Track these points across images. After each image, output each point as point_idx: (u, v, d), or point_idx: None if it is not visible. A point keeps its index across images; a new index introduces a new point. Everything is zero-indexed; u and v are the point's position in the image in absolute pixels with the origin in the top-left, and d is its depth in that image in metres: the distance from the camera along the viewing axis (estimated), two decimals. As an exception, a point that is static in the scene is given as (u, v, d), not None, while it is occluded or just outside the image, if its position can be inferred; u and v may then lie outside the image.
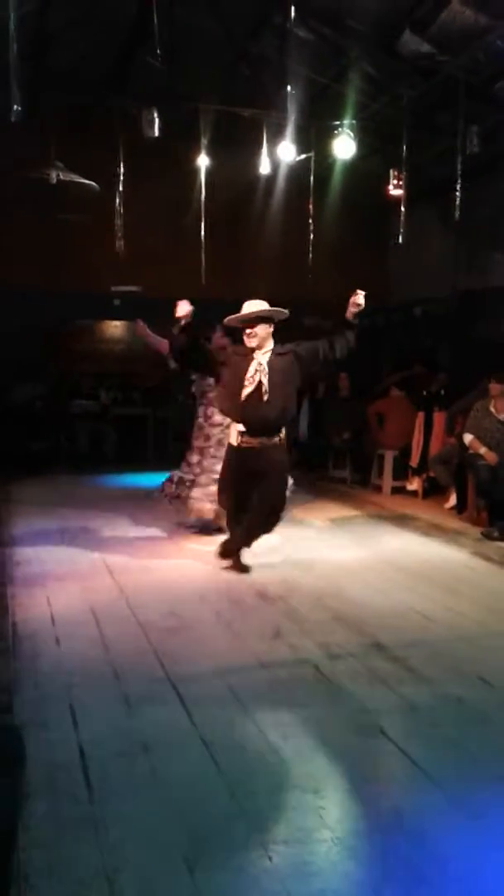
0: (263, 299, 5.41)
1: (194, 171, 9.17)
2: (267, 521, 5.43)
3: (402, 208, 8.82)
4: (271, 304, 5.28)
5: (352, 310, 5.32)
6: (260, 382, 5.12)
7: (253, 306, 5.33)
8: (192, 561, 5.81)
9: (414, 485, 8.87)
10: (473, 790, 2.69)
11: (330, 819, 2.52)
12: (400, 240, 8.87)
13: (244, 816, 2.52)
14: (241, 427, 5.23)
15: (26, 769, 2.70)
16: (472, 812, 2.55)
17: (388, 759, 2.92)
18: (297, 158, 8.90)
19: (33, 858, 2.28)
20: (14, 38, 5.14)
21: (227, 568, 5.48)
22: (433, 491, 8.56)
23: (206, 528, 6.49)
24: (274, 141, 8.73)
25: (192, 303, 5.17)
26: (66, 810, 2.53)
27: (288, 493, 5.58)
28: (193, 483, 6.53)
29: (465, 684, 3.58)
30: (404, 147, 8.45)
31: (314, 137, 8.98)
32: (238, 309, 5.23)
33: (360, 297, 5.33)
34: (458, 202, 8.24)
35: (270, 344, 5.29)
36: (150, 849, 2.35)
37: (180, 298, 6.74)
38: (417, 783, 2.74)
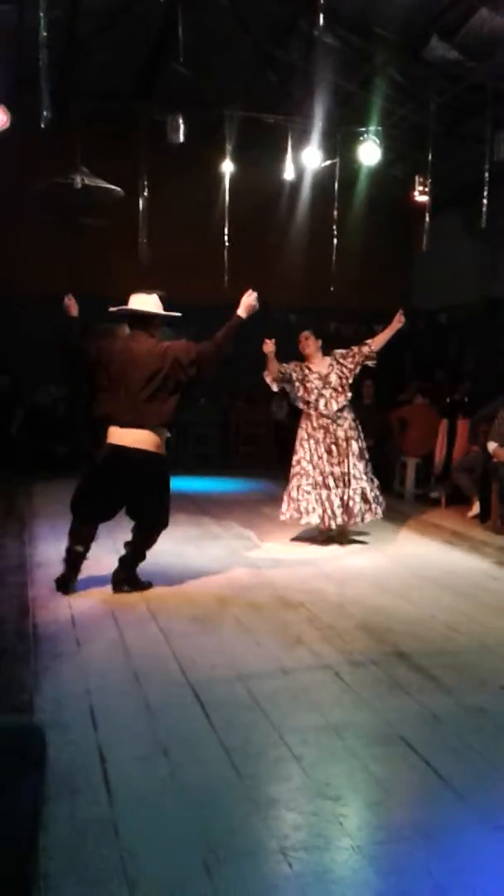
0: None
1: (219, 177, 9.19)
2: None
3: (428, 215, 8.79)
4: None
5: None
6: None
7: (150, 303, 5.56)
8: (213, 565, 5.80)
9: (436, 493, 8.81)
10: (495, 800, 2.66)
11: (350, 827, 2.50)
12: (425, 246, 8.84)
13: (264, 822, 2.50)
14: None
15: (47, 770, 2.71)
16: (495, 823, 2.52)
17: (409, 767, 2.89)
18: (323, 164, 8.91)
19: (54, 860, 2.28)
20: (44, 44, 5.18)
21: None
22: (456, 499, 8.49)
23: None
24: (299, 147, 8.74)
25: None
26: (85, 812, 2.53)
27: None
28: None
29: (488, 694, 3.54)
30: (430, 153, 8.42)
31: (339, 143, 8.98)
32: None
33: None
34: (484, 209, 8.20)
35: None
36: (170, 852, 2.34)
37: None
38: (439, 793, 2.71)
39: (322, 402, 6.37)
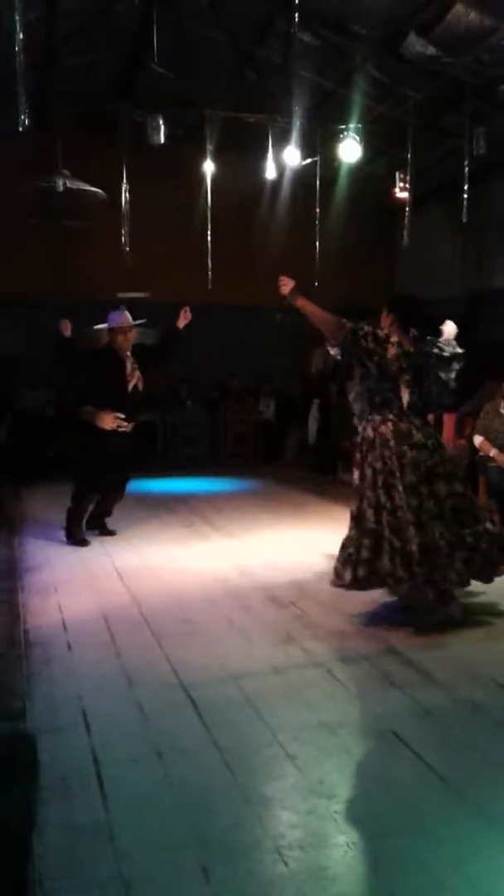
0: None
1: (200, 177, 9.19)
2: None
3: (409, 211, 8.82)
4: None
5: None
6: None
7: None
8: (204, 566, 5.80)
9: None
10: (489, 794, 2.67)
11: (345, 824, 2.51)
12: (406, 242, 8.87)
13: (259, 822, 2.51)
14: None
15: (40, 775, 2.70)
16: (489, 816, 2.54)
17: (402, 763, 2.90)
18: (303, 163, 8.92)
19: (49, 864, 2.27)
20: (21, 46, 5.15)
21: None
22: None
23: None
24: (280, 146, 8.75)
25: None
26: (80, 816, 2.53)
27: None
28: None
29: (480, 688, 3.55)
30: (410, 150, 8.45)
31: (320, 141, 9.00)
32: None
33: None
34: (464, 204, 8.23)
35: None
36: (165, 853, 2.34)
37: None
38: (433, 787, 2.72)
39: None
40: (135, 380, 6.47)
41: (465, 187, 8.21)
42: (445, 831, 2.45)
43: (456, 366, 4.56)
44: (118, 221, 9.07)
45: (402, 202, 9.01)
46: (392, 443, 4.28)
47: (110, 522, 6.88)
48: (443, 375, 4.48)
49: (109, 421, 6.35)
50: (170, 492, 8.97)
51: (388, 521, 4.20)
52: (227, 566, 5.75)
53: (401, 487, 4.20)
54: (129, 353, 6.48)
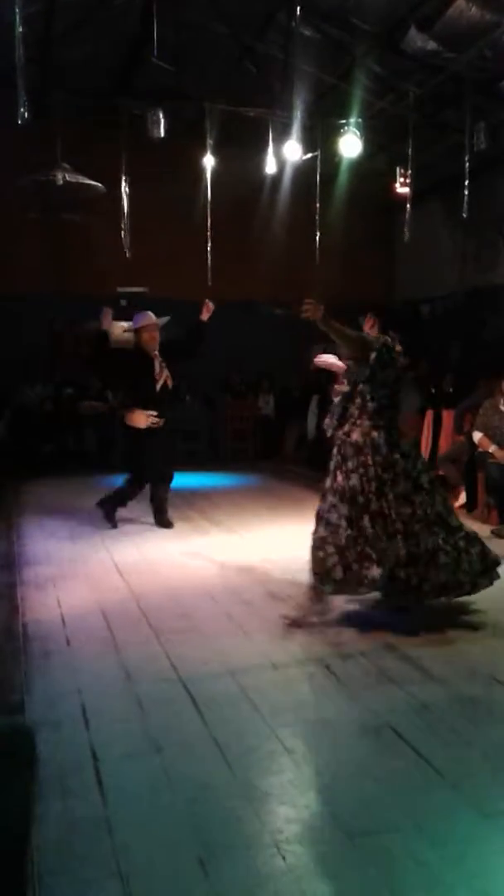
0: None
1: (200, 171, 9.17)
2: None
3: (409, 206, 8.80)
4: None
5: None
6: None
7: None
8: (202, 561, 5.80)
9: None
10: (487, 788, 2.68)
11: (343, 819, 2.51)
12: (407, 238, 8.85)
13: (257, 817, 2.51)
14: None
15: (38, 770, 2.71)
16: (486, 811, 2.54)
17: (400, 758, 2.90)
18: (304, 157, 8.90)
19: (47, 859, 2.28)
20: (20, 39, 5.14)
21: None
22: (442, 489, 8.52)
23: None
24: (280, 140, 8.74)
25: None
26: (78, 811, 2.53)
27: None
28: None
29: (478, 684, 3.56)
30: (410, 145, 8.43)
31: (320, 136, 8.98)
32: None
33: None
34: (465, 199, 8.22)
35: None
36: (164, 849, 2.34)
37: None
38: (431, 782, 2.72)
39: None
40: (164, 378, 6.66)
41: (466, 183, 8.20)
42: (443, 827, 2.45)
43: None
44: (117, 216, 9.05)
45: (402, 197, 8.99)
46: (385, 450, 4.27)
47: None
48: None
49: (143, 420, 6.60)
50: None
51: (380, 529, 4.18)
52: (226, 561, 5.76)
53: (391, 496, 4.20)
54: (156, 353, 6.65)
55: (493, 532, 6.64)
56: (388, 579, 4.13)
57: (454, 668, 3.74)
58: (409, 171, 8.73)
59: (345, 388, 4.51)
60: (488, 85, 7.85)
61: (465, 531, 4.35)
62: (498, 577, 4.37)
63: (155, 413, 6.61)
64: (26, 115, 5.21)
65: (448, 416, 8.61)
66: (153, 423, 6.61)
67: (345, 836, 2.41)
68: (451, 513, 4.45)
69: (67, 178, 8.44)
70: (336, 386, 4.66)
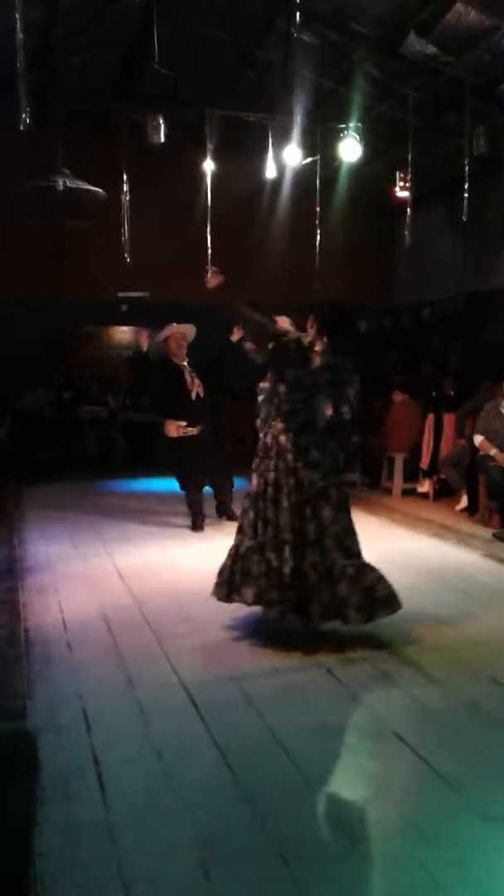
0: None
1: (200, 176, 9.19)
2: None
3: (409, 210, 8.81)
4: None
5: None
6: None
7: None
8: (204, 565, 5.79)
9: (424, 487, 8.85)
10: (488, 792, 2.68)
11: (346, 823, 2.51)
12: (407, 241, 8.86)
13: (259, 821, 2.51)
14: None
15: (40, 774, 2.70)
16: (488, 814, 2.54)
17: (402, 762, 2.90)
18: (303, 162, 8.91)
19: (49, 864, 2.28)
20: (21, 46, 5.16)
21: None
22: (444, 493, 8.53)
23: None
24: (280, 145, 8.74)
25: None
26: (80, 816, 2.53)
27: None
28: None
29: (479, 687, 3.56)
30: (410, 149, 8.45)
31: (320, 141, 8.99)
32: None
33: None
34: (465, 203, 8.23)
35: None
36: (166, 854, 2.34)
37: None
38: (432, 786, 2.72)
39: None
40: (195, 388, 6.85)
41: (466, 186, 8.21)
42: (445, 831, 2.45)
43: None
44: (118, 221, 9.06)
45: (402, 201, 9.00)
46: (290, 456, 4.06)
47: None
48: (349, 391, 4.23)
49: (174, 429, 6.80)
50: (170, 491, 8.96)
51: (270, 538, 4.01)
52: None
53: (286, 504, 4.00)
54: (185, 364, 6.85)
55: (494, 535, 6.64)
56: (275, 596, 3.96)
57: (455, 671, 3.74)
58: (409, 175, 8.74)
59: (266, 384, 4.31)
60: (487, 89, 7.86)
61: (360, 560, 4.06)
62: (383, 615, 4.04)
63: (186, 423, 6.78)
64: (27, 120, 5.23)
65: (449, 420, 8.61)
66: (185, 433, 6.79)
67: (347, 840, 2.41)
68: (352, 536, 4.11)
69: (68, 184, 8.46)
70: (260, 384, 4.42)
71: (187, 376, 6.83)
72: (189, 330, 6.96)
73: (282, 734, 3.08)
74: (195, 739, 3.05)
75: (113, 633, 4.28)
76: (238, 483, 9.77)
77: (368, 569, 4.05)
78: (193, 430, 6.82)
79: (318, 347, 4.22)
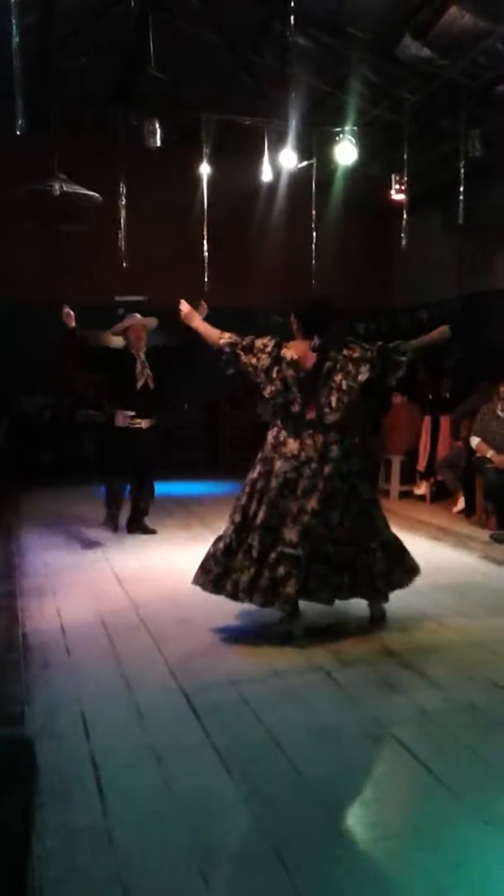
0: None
1: (197, 180, 9.21)
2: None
3: (405, 213, 8.83)
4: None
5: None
6: None
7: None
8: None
9: (422, 489, 8.85)
10: (488, 796, 2.68)
11: (345, 827, 2.51)
12: (403, 244, 8.88)
13: (259, 826, 2.51)
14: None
15: (39, 780, 2.70)
16: (487, 817, 2.54)
17: (401, 765, 2.90)
18: (300, 165, 8.94)
19: (48, 870, 2.27)
20: (18, 50, 5.16)
21: None
22: (441, 495, 8.54)
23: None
24: (276, 148, 8.77)
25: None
26: (79, 821, 2.53)
27: None
28: None
29: (478, 689, 3.56)
30: (406, 152, 8.47)
31: (316, 144, 9.02)
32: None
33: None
34: (461, 205, 8.25)
35: None
36: (165, 859, 2.34)
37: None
38: (431, 789, 2.72)
39: None
40: (144, 378, 6.64)
41: (461, 189, 8.22)
42: (444, 834, 2.45)
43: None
44: (115, 225, 9.07)
45: (398, 204, 9.02)
46: (268, 449, 4.23)
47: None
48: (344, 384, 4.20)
49: (120, 419, 6.61)
50: (168, 495, 8.95)
51: (251, 532, 4.14)
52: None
53: (265, 499, 4.12)
54: (141, 354, 6.68)
55: (491, 537, 6.65)
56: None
57: (454, 673, 3.74)
58: (405, 178, 8.76)
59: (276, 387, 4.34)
60: (482, 92, 7.89)
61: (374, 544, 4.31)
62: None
63: (132, 413, 6.60)
64: (23, 125, 5.23)
65: (446, 422, 8.62)
66: (133, 424, 6.61)
67: (346, 844, 2.41)
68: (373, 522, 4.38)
69: (64, 188, 8.46)
70: (270, 387, 4.38)
71: (138, 365, 6.65)
72: (151, 322, 6.83)
73: (281, 737, 3.08)
74: (194, 743, 3.05)
75: (111, 638, 4.28)
76: (239, 488, 9.80)
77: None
78: (141, 423, 6.64)
79: (269, 349, 4.21)
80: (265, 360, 4.19)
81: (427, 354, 4.69)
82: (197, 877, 2.25)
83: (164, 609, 4.80)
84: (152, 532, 6.96)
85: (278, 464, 4.15)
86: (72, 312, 6.50)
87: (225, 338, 4.32)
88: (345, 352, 4.22)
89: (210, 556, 4.30)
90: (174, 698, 3.47)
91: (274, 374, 4.17)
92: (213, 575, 4.22)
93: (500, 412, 7.07)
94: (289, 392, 4.15)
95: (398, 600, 4.89)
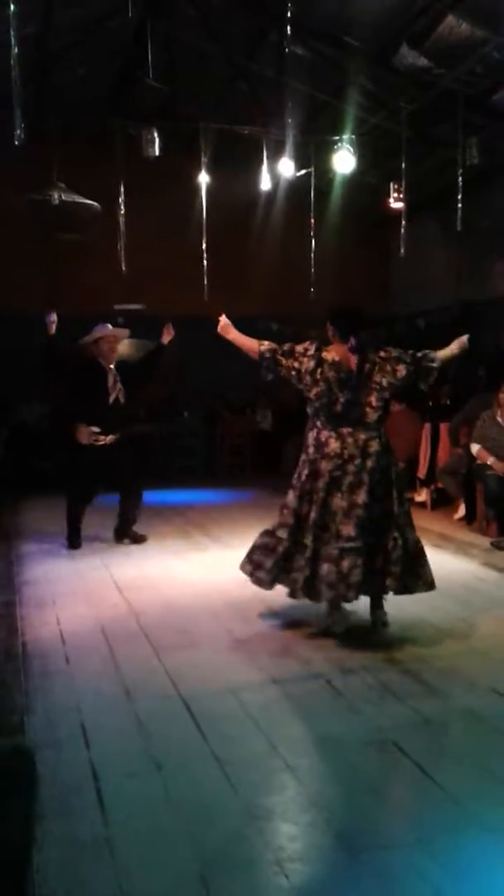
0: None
1: (195, 189, 9.24)
2: None
3: (403, 221, 8.86)
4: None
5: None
6: None
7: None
8: (201, 577, 5.79)
9: (422, 496, 8.84)
10: (489, 804, 2.66)
11: (346, 836, 2.50)
12: (401, 252, 8.90)
13: (259, 835, 2.50)
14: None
15: (39, 790, 2.69)
16: (489, 825, 2.52)
17: (402, 773, 2.89)
18: (298, 174, 8.97)
19: (48, 880, 2.26)
20: (16, 60, 5.19)
21: None
22: (442, 502, 8.53)
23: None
24: (274, 157, 8.80)
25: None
26: (79, 831, 2.52)
27: None
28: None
29: (479, 697, 3.55)
30: (403, 160, 8.50)
31: (314, 153, 9.06)
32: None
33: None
34: (458, 213, 8.27)
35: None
36: (166, 868, 2.33)
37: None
38: (433, 797, 2.71)
39: None
40: (116, 392, 6.50)
41: (459, 197, 8.25)
42: (446, 842, 2.44)
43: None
44: (114, 234, 9.10)
45: (396, 212, 9.05)
46: (311, 450, 4.37)
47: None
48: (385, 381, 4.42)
49: (84, 435, 6.41)
50: (167, 503, 8.95)
51: (305, 532, 4.27)
52: (225, 577, 5.72)
53: (316, 499, 4.25)
54: (112, 367, 6.52)
55: (492, 544, 6.64)
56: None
57: (455, 681, 3.73)
58: (403, 186, 8.78)
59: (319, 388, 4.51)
60: (479, 100, 7.92)
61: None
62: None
63: (99, 430, 6.43)
64: (22, 135, 5.25)
65: (445, 429, 8.62)
66: (98, 441, 6.44)
67: (347, 853, 2.40)
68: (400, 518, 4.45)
69: (63, 198, 8.49)
70: (315, 390, 4.58)
71: (110, 378, 6.48)
72: (123, 333, 6.70)
73: (281, 746, 3.06)
74: (194, 752, 3.04)
75: (111, 646, 4.27)
76: (238, 496, 9.81)
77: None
78: (105, 440, 6.45)
79: (311, 352, 4.36)
80: (308, 363, 4.34)
81: (449, 366, 4.86)
82: (198, 886, 2.24)
83: (164, 617, 4.79)
84: (142, 539, 6.86)
85: (323, 464, 4.29)
86: (55, 319, 6.35)
87: (265, 345, 4.47)
88: (381, 353, 4.47)
89: (257, 548, 4.43)
90: (174, 706, 3.46)
91: (318, 376, 4.32)
92: (270, 575, 4.32)
93: (500, 419, 7.07)
94: (332, 392, 4.30)
95: (398, 608, 4.88)
